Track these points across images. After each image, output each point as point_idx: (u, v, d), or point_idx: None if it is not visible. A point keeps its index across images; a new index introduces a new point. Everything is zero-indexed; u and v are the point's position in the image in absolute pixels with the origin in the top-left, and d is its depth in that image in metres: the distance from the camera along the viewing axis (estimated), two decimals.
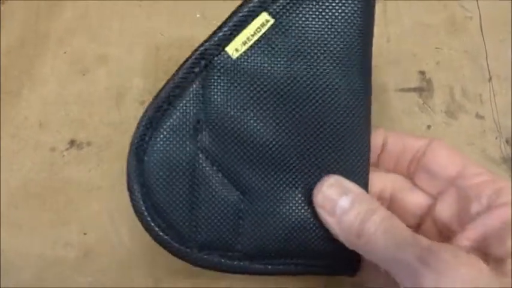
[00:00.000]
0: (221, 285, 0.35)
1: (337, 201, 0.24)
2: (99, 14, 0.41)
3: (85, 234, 0.36)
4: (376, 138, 0.27)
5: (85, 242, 0.36)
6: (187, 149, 0.25)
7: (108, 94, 0.39)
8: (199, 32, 0.39)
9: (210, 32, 0.37)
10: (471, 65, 0.40)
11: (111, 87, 0.39)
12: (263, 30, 0.25)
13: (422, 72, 0.39)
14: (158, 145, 0.26)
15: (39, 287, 0.35)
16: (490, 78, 0.39)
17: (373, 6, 0.27)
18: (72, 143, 0.38)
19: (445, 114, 0.39)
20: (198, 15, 0.41)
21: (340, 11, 0.25)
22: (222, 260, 0.27)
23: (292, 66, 0.25)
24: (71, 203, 0.37)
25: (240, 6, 0.26)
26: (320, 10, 0.25)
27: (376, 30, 0.40)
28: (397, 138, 0.27)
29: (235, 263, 0.27)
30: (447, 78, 0.39)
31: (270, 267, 0.27)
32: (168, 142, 0.26)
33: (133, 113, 0.38)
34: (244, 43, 0.25)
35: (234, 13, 0.26)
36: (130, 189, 0.27)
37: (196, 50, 0.26)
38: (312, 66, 0.25)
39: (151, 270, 0.36)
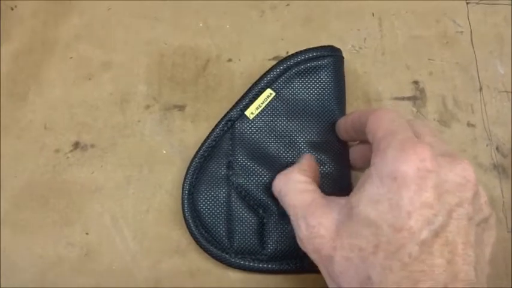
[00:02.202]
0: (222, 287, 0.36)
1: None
2: (104, 22, 0.42)
3: (87, 234, 0.37)
4: (347, 122, 0.35)
5: (87, 243, 0.37)
6: (223, 189, 0.36)
7: (112, 99, 0.40)
8: (202, 41, 0.41)
9: (213, 41, 0.39)
10: (462, 75, 0.41)
11: (116, 92, 0.40)
12: (268, 100, 0.37)
13: (416, 82, 0.41)
14: (202, 189, 0.36)
15: (41, 287, 0.36)
16: (481, 88, 0.41)
17: (342, 72, 0.39)
18: (76, 145, 0.39)
19: (437, 122, 0.40)
20: (200, 25, 0.42)
21: (317, 82, 0.37)
22: (252, 263, 0.35)
23: (288, 122, 0.37)
24: (74, 204, 0.37)
25: (254, 85, 0.37)
26: (305, 83, 0.37)
27: (372, 43, 0.42)
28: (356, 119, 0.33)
29: (263, 264, 0.35)
30: (440, 88, 0.41)
31: (289, 265, 0.35)
32: (209, 187, 0.36)
33: (137, 117, 0.39)
34: (257, 108, 0.37)
35: (250, 89, 0.37)
36: (186, 218, 0.36)
37: (225, 116, 0.37)
38: (301, 121, 0.37)
39: (153, 271, 0.36)
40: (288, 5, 0.43)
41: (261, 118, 0.37)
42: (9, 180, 0.38)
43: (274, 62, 0.40)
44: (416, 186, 0.24)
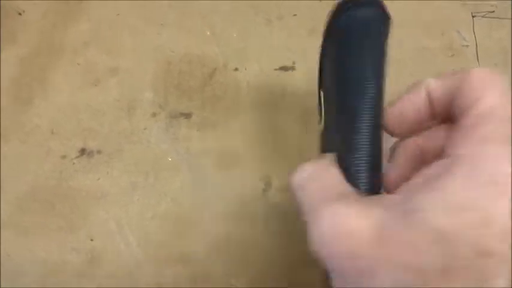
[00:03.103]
0: None
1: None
2: (112, 29, 0.42)
3: (92, 240, 0.37)
4: (417, 97, 0.24)
5: (91, 248, 0.37)
6: None
7: (119, 105, 0.40)
8: (209, 49, 0.41)
9: (219, 49, 0.39)
10: None
11: (122, 98, 0.40)
12: None
13: None
14: None
15: None
16: None
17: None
18: (82, 151, 0.39)
19: None
20: (208, 33, 0.42)
21: None
22: None
23: None
24: (79, 209, 0.38)
25: None
26: None
27: None
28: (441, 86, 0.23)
29: None
30: None
31: None
32: None
33: (143, 125, 0.40)
34: None
35: None
36: None
37: None
38: None
39: (156, 278, 0.36)
40: (294, 15, 0.43)
41: None
42: (14, 184, 0.38)
43: (280, 72, 0.40)
44: None
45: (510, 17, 0.44)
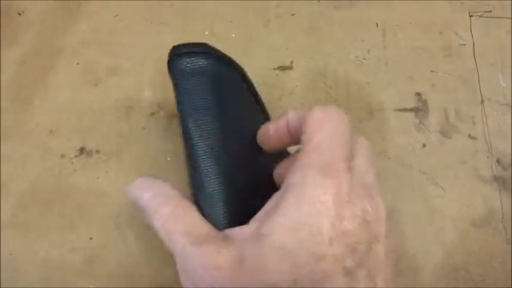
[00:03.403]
0: None
1: (139, 198, 0.28)
2: (111, 29, 0.43)
3: (91, 239, 0.37)
4: (281, 123, 0.28)
5: (91, 247, 0.37)
6: None
7: (118, 105, 0.40)
8: None
9: (218, 48, 0.39)
10: (464, 88, 0.42)
11: (121, 98, 0.40)
12: None
13: (418, 94, 0.41)
14: None
15: None
16: (482, 101, 0.41)
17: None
18: (81, 150, 0.39)
19: (439, 133, 0.41)
20: (206, 33, 0.43)
21: None
22: None
23: None
24: (79, 208, 0.38)
25: None
26: None
27: (376, 53, 0.43)
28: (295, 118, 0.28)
29: None
30: (442, 100, 0.41)
31: None
32: None
33: (142, 124, 0.40)
34: None
35: None
36: None
37: None
38: None
39: (156, 277, 0.36)
40: (293, 14, 0.43)
41: None
42: (14, 184, 0.38)
43: (279, 71, 0.41)
44: (336, 213, 0.22)
45: (507, 16, 0.44)
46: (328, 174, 0.23)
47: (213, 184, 0.29)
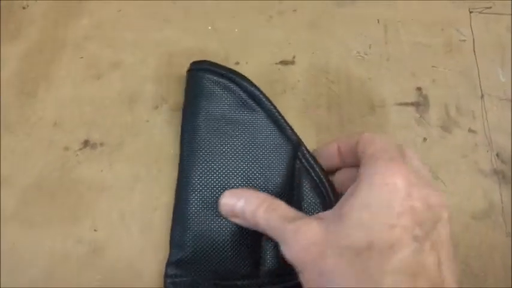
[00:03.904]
0: None
1: (234, 205, 0.33)
2: (114, 24, 0.43)
3: (95, 231, 0.37)
4: (331, 148, 0.36)
5: (95, 239, 0.37)
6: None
7: (121, 98, 0.40)
8: (211, 43, 0.42)
9: (221, 44, 0.40)
10: (465, 83, 0.42)
11: (124, 91, 0.41)
12: None
13: (419, 89, 0.42)
14: None
15: (49, 282, 0.36)
16: (482, 96, 0.42)
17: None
18: (85, 143, 0.39)
19: (440, 128, 0.41)
20: (209, 28, 0.43)
21: None
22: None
23: None
24: (83, 201, 0.38)
25: None
26: None
27: (377, 49, 0.43)
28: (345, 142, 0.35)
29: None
30: (442, 95, 0.42)
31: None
32: None
33: (145, 117, 0.40)
34: None
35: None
36: None
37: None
38: None
39: (160, 268, 0.36)
40: (294, 10, 0.44)
41: None
42: (18, 176, 0.38)
43: (281, 66, 0.41)
44: (404, 193, 0.26)
45: (507, 12, 0.45)
46: (395, 163, 0.27)
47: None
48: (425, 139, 0.41)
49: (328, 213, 0.29)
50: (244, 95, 0.38)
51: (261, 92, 0.38)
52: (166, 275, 0.34)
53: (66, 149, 0.39)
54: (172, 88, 0.41)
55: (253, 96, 0.38)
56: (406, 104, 0.42)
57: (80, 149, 0.39)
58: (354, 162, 0.34)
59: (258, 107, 0.38)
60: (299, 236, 0.28)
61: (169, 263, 0.35)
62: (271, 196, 0.32)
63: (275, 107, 0.38)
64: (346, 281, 0.26)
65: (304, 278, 0.28)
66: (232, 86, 0.38)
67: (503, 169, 0.40)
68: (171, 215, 0.38)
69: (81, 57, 0.42)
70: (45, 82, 0.41)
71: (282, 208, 0.31)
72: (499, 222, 0.39)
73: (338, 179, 0.37)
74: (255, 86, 0.38)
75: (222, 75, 0.38)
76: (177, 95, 0.41)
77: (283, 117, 0.38)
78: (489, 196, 0.39)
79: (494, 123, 0.41)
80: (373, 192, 0.27)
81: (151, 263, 0.37)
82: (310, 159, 0.37)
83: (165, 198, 0.38)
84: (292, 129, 0.38)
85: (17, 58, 0.41)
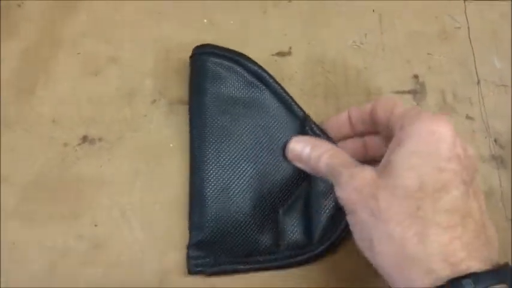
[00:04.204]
0: (227, 283, 0.36)
1: (302, 151, 0.35)
2: (110, 19, 0.43)
3: (96, 226, 0.37)
4: (342, 117, 0.37)
5: (96, 235, 0.37)
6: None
7: (119, 93, 0.41)
8: (207, 36, 0.42)
9: (218, 36, 0.40)
10: (461, 70, 0.42)
11: (123, 87, 0.41)
12: None
13: (415, 76, 0.42)
14: None
15: (50, 279, 0.36)
16: (479, 82, 0.42)
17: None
18: (84, 138, 0.39)
19: None
20: (205, 21, 0.43)
21: None
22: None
23: None
24: (83, 197, 0.38)
25: None
26: None
27: (373, 39, 0.43)
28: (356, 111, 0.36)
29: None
30: (439, 82, 0.42)
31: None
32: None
33: (144, 112, 0.40)
34: None
35: None
36: None
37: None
38: None
39: (161, 263, 0.37)
40: (290, 1, 0.44)
41: None
42: (18, 173, 0.38)
43: (278, 57, 0.41)
44: (451, 140, 0.27)
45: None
46: (437, 115, 0.29)
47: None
48: None
49: (378, 164, 0.30)
50: (249, 76, 0.38)
51: (265, 71, 0.39)
52: (189, 257, 0.35)
53: (65, 145, 0.39)
54: (170, 82, 0.41)
55: (258, 76, 0.38)
56: (403, 92, 0.42)
57: (79, 145, 0.39)
58: (366, 129, 0.36)
59: (264, 86, 0.38)
60: (353, 178, 0.29)
61: (190, 245, 0.35)
62: (335, 145, 0.35)
63: (280, 85, 0.39)
64: (398, 220, 0.26)
65: (355, 219, 0.29)
66: (236, 67, 0.38)
67: (502, 154, 0.40)
68: (172, 209, 0.38)
69: (79, 54, 0.42)
70: (43, 79, 0.41)
71: (344, 156, 0.32)
72: (499, 207, 0.39)
73: (350, 148, 0.37)
74: (259, 66, 0.39)
75: (226, 57, 0.38)
76: (174, 89, 0.41)
77: (288, 94, 0.39)
78: (488, 181, 0.39)
79: (491, 109, 0.41)
80: (421, 140, 0.27)
81: (152, 258, 0.37)
82: (317, 131, 0.38)
83: (166, 192, 0.38)
84: (298, 105, 0.38)
85: (15, 56, 0.41)
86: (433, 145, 0.27)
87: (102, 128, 0.40)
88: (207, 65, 0.38)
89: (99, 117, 0.40)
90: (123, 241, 0.37)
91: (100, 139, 0.39)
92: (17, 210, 0.37)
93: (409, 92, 0.42)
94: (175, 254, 0.37)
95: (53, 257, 0.36)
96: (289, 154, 0.36)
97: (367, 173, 0.29)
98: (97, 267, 0.36)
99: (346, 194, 0.29)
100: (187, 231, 0.37)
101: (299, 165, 0.35)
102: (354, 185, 0.29)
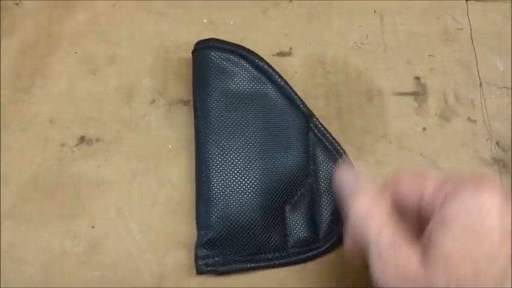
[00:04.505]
0: (226, 283, 0.36)
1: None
2: (109, 17, 0.42)
3: (93, 227, 0.37)
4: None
5: (93, 236, 0.37)
6: None
7: (117, 93, 0.40)
8: (207, 36, 0.41)
9: (217, 36, 0.39)
10: (463, 71, 0.42)
11: (121, 86, 0.40)
12: None
13: (417, 78, 0.42)
14: None
15: (47, 280, 0.36)
16: (481, 84, 0.42)
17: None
18: (81, 139, 0.39)
19: (439, 117, 0.41)
20: (205, 20, 0.43)
21: None
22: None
23: None
24: (80, 197, 0.37)
25: None
26: None
27: (374, 39, 0.43)
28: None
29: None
30: (441, 84, 0.42)
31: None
32: None
33: (142, 112, 0.40)
34: None
35: None
36: None
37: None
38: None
39: (159, 264, 0.36)
40: (290, 1, 0.44)
41: None
42: (15, 174, 0.38)
43: (278, 58, 0.41)
44: (501, 213, 0.24)
45: None
46: (483, 183, 0.25)
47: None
48: (424, 128, 0.40)
49: (424, 240, 0.26)
50: (255, 71, 0.38)
51: (271, 67, 0.38)
52: (197, 257, 0.35)
53: (63, 145, 0.39)
54: (169, 82, 0.40)
55: (263, 71, 0.38)
56: (404, 93, 0.41)
57: (76, 145, 0.39)
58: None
59: (269, 82, 0.38)
60: (398, 267, 0.25)
61: (198, 245, 0.35)
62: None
63: (285, 81, 0.38)
64: None
65: None
66: (242, 61, 0.38)
67: (504, 157, 0.40)
68: (170, 210, 0.37)
69: (76, 52, 0.41)
70: (41, 78, 0.40)
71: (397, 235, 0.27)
72: None
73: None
74: (265, 61, 0.38)
75: (231, 52, 0.38)
76: (174, 89, 0.40)
77: (293, 91, 0.38)
78: None
79: (493, 112, 0.41)
80: (470, 218, 0.24)
81: (150, 260, 0.36)
82: (322, 129, 0.38)
83: (164, 193, 0.38)
84: (303, 102, 0.38)
85: (12, 54, 0.41)
86: (482, 223, 0.24)
87: (100, 128, 0.39)
88: (211, 59, 0.37)
89: (97, 117, 0.39)
90: (121, 242, 0.37)
91: (98, 139, 0.39)
92: (14, 210, 0.37)
93: (410, 93, 0.41)
94: (174, 255, 0.36)
95: (50, 258, 0.36)
96: (351, 215, 0.29)
97: (414, 258, 0.25)
98: (94, 269, 0.36)
99: (389, 282, 0.25)
100: (186, 232, 0.37)
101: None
102: (403, 275, 0.25)
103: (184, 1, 0.43)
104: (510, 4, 0.44)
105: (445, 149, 0.40)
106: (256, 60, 0.38)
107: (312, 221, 0.37)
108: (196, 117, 0.37)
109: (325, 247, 0.36)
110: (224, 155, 0.35)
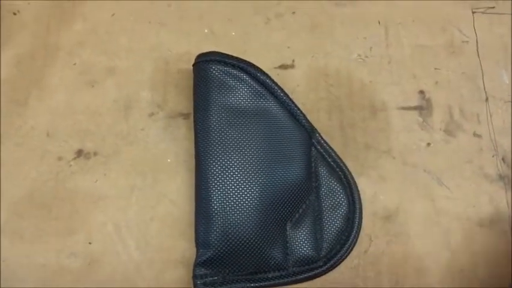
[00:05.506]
0: None
1: None
2: (107, 29, 0.42)
3: (90, 243, 0.36)
4: None
5: (90, 252, 0.36)
6: None
7: (116, 106, 0.39)
8: (208, 47, 0.41)
9: (218, 48, 0.38)
10: (468, 85, 0.41)
11: (119, 99, 0.40)
12: None
13: (422, 92, 0.41)
14: None
15: None
16: (487, 99, 0.41)
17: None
18: (79, 152, 0.38)
19: (443, 132, 0.40)
20: (206, 31, 0.42)
21: None
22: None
23: None
24: (77, 212, 0.37)
25: None
26: None
27: (378, 51, 0.42)
28: None
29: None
30: (446, 98, 0.41)
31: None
32: None
33: (141, 125, 0.39)
34: None
35: None
36: None
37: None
38: None
39: (157, 281, 0.36)
40: (293, 12, 0.43)
41: None
42: (11, 188, 0.37)
43: (280, 70, 0.40)
44: None
45: (510, 12, 0.44)
46: None
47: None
48: (428, 144, 0.39)
49: None
50: (257, 85, 0.37)
51: (273, 81, 0.37)
52: (195, 276, 0.34)
53: (60, 159, 0.38)
54: (168, 95, 0.40)
55: (265, 86, 0.37)
56: (409, 107, 0.40)
57: (74, 159, 0.38)
58: None
59: (271, 96, 0.37)
60: None
61: (197, 264, 0.34)
62: None
63: (287, 95, 0.38)
64: None
65: None
66: (244, 75, 0.37)
67: (509, 174, 0.39)
68: (168, 226, 0.37)
69: (74, 64, 0.40)
70: (37, 90, 0.40)
71: None
72: (506, 229, 0.38)
73: None
74: (267, 75, 0.37)
75: (232, 65, 0.37)
76: (173, 102, 0.39)
77: (296, 105, 0.38)
78: (495, 202, 0.38)
79: (499, 127, 0.40)
80: None
81: (148, 277, 0.36)
82: (325, 144, 0.37)
83: (162, 208, 0.37)
84: (305, 117, 0.38)
85: (8, 65, 0.40)
86: None
87: (98, 141, 0.38)
88: (213, 73, 0.36)
89: (95, 130, 0.39)
90: (118, 259, 0.36)
91: (95, 153, 0.38)
92: (9, 226, 0.36)
93: (415, 108, 0.40)
94: (171, 273, 0.36)
95: (46, 275, 0.35)
96: None
97: None
98: (91, 285, 0.35)
99: None
100: (184, 249, 0.36)
101: None
102: None
103: (185, 11, 0.42)
104: None
105: (450, 165, 0.39)
106: (259, 74, 0.37)
107: (314, 239, 0.36)
108: (196, 133, 0.36)
109: (326, 267, 0.35)
110: (224, 171, 0.34)
